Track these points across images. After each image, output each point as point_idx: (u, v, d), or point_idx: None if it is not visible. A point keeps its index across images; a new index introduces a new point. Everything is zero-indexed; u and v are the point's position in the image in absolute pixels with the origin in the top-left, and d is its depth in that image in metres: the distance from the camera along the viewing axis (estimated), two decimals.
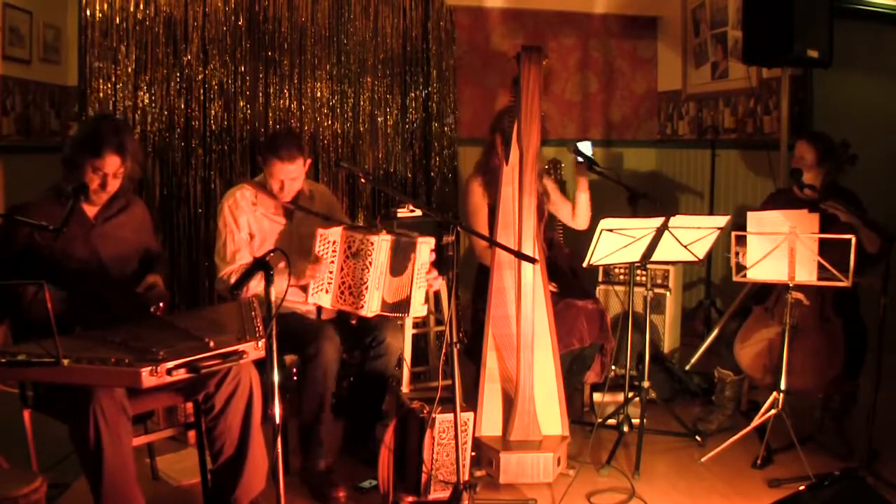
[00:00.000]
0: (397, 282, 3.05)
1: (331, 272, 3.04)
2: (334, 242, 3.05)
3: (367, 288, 2.99)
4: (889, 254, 3.14)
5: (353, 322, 3.23)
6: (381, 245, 3.01)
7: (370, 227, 3.12)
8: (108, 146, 2.65)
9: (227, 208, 3.22)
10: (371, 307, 3.02)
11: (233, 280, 3.11)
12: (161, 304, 2.76)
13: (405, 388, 3.58)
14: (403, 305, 3.06)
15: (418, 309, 3.10)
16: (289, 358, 3.22)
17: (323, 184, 4.42)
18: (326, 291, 3.05)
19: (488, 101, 5.55)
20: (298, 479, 3.11)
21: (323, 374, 3.01)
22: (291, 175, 3.19)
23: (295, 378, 3.31)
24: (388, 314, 3.10)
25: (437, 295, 4.03)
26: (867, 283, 3.35)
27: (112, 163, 2.68)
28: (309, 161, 3.31)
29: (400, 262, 3.05)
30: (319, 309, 3.26)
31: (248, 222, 3.22)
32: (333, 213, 3.38)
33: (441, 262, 3.31)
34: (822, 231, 3.16)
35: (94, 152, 2.65)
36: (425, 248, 3.07)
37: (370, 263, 2.99)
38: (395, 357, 3.28)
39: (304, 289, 3.03)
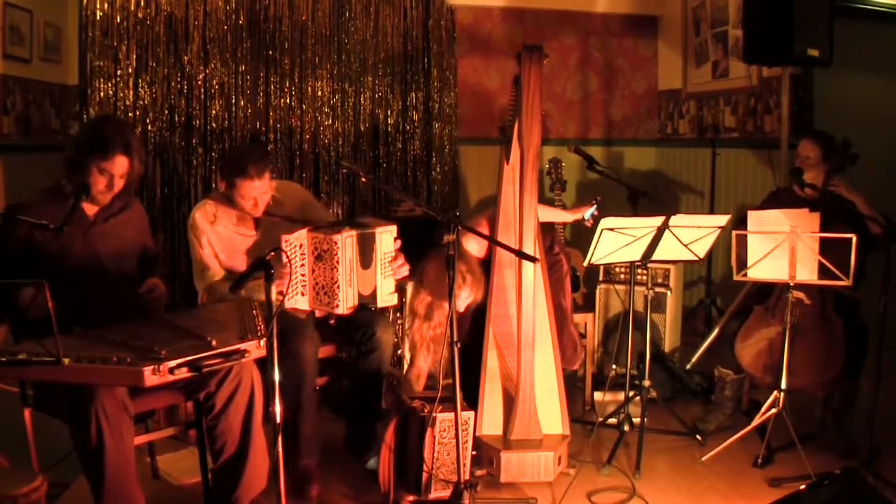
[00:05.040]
0: (368, 273, 3.02)
1: (303, 275, 3.00)
2: (301, 245, 2.99)
3: (338, 287, 2.94)
4: (892, 240, 3.13)
5: (332, 322, 3.21)
6: (345, 242, 2.95)
7: (334, 224, 3.09)
8: (116, 148, 2.66)
9: (189, 230, 3.19)
10: (347, 304, 2.98)
11: (211, 297, 3.11)
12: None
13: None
14: (372, 297, 3.03)
15: (386, 298, 3.04)
16: None
17: (324, 183, 4.43)
18: (302, 294, 3.01)
19: (489, 101, 5.55)
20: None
21: (299, 373, 2.98)
22: (263, 190, 3.12)
23: None
24: (366, 304, 3.06)
25: None
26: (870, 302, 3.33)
27: (120, 164, 2.69)
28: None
29: (366, 254, 3.01)
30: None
31: (208, 241, 3.16)
32: (308, 211, 3.33)
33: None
34: (822, 230, 3.16)
35: (102, 154, 2.65)
36: (386, 236, 3.02)
37: (337, 262, 2.93)
38: (387, 351, 3.27)
39: (281, 294, 3.00)
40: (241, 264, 3.14)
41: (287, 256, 2.93)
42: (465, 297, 3.20)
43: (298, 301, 3.02)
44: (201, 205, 3.23)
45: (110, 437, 2.29)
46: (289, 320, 3.11)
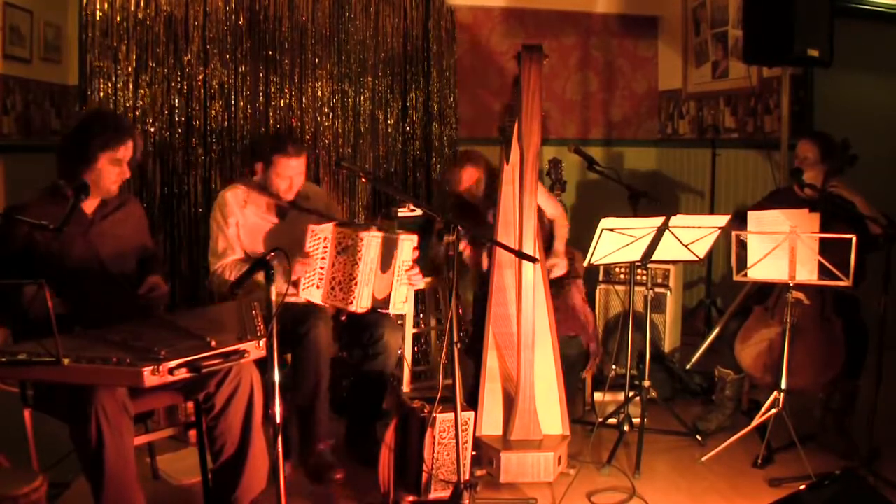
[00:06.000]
0: (385, 278, 3.07)
1: (322, 268, 3.06)
2: (325, 239, 3.07)
3: (356, 284, 3.00)
4: (892, 241, 3.13)
5: (343, 318, 3.23)
6: (370, 241, 3.02)
7: (362, 223, 3.13)
8: (125, 132, 2.69)
9: (217, 208, 3.24)
10: (361, 303, 3.04)
11: (227, 275, 3.12)
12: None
13: (406, 388, 3.58)
14: (387, 301, 3.08)
15: (399, 306, 3.11)
16: (290, 357, 3.22)
17: (324, 183, 4.42)
18: (317, 287, 3.07)
19: (489, 101, 5.55)
20: (297, 464, 3.14)
21: (316, 352, 3.01)
22: (299, 171, 3.22)
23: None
24: (378, 309, 3.11)
25: (436, 294, 4.02)
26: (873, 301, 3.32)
27: (129, 148, 2.72)
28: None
29: (386, 258, 3.07)
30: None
31: (237, 222, 3.22)
32: (329, 213, 3.38)
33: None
34: (822, 230, 3.16)
35: (115, 142, 2.67)
36: (407, 244, 3.08)
37: (359, 259, 3.01)
38: (393, 355, 3.28)
39: (295, 285, 3.04)
40: (260, 251, 3.19)
41: (309, 246, 3.02)
42: None
43: (312, 293, 3.06)
44: (233, 186, 3.29)
45: (110, 437, 2.29)
46: (295, 308, 3.13)
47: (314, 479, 3.04)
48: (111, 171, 2.69)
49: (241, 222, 3.23)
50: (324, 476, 3.02)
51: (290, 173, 3.19)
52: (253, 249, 3.22)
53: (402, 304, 3.11)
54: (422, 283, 3.26)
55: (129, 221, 2.91)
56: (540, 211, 3.60)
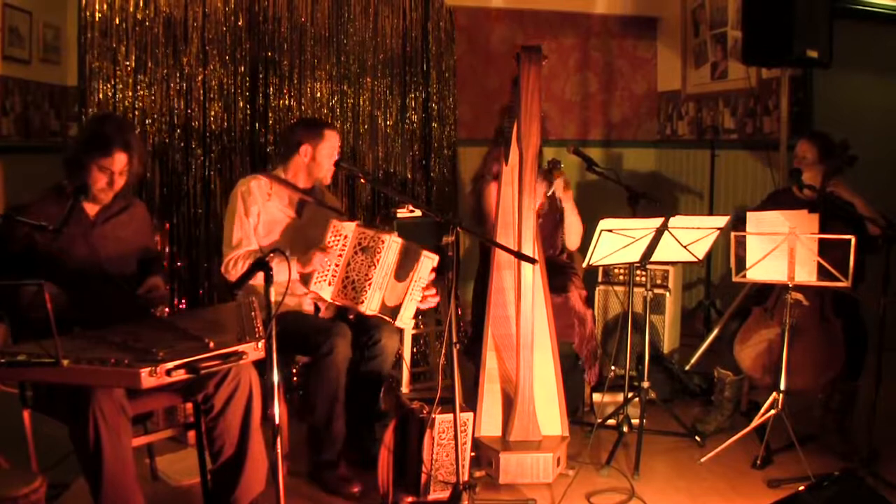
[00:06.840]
0: (399, 287, 3.07)
1: (337, 265, 3.06)
2: (346, 237, 3.07)
3: (370, 285, 3.01)
4: (891, 242, 3.13)
5: (351, 317, 3.24)
6: (391, 245, 3.04)
7: (383, 227, 3.14)
8: (115, 145, 2.67)
9: (240, 195, 3.22)
10: (371, 305, 3.04)
11: (238, 268, 3.11)
12: (166, 310, 2.76)
13: (405, 389, 3.58)
14: (395, 311, 3.08)
15: (406, 321, 3.10)
16: (301, 359, 3.21)
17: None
18: (329, 284, 3.06)
19: (488, 102, 5.55)
20: (307, 476, 3.13)
21: (336, 371, 3.01)
22: (338, 147, 3.32)
23: (295, 379, 3.31)
24: (384, 316, 3.11)
25: None
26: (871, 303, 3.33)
27: (119, 161, 2.69)
28: None
29: (404, 268, 3.07)
30: (317, 307, 3.26)
31: (258, 211, 3.21)
32: (345, 214, 3.39)
33: (441, 263, 3.32)
34: (821, 231, 3.16)
35: (102, 152, 2.66)
36: (427, 262, 3.09)
37: (377, 261, 3.02)
38: (390, 358, 3.28)
39: (306, 279, 3.03)
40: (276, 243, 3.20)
41: (329, 241, 3.03)
42: None
43: (324, 289, 3.06)
44: (255, 178, 3.28)
45: (108, 438, 2.29)
46: (312, 323, 3.13)
47: (330, 491, 3.04)
48: (100, 178, 2.69)
49: (262, 215, 3.22)
50: (341, 490, 3.02)
51: (337, 146, 3.30)
52: (268, 242, 3.22)
53: (409, 319, 3.12)
54: (434, 303, 3.24)
55: (132, 224, 2.91)
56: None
